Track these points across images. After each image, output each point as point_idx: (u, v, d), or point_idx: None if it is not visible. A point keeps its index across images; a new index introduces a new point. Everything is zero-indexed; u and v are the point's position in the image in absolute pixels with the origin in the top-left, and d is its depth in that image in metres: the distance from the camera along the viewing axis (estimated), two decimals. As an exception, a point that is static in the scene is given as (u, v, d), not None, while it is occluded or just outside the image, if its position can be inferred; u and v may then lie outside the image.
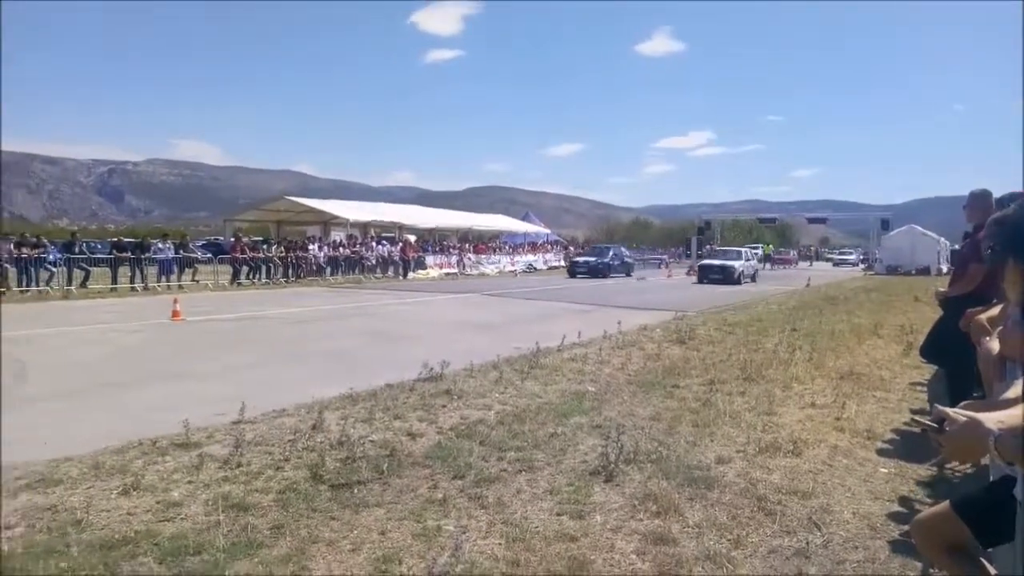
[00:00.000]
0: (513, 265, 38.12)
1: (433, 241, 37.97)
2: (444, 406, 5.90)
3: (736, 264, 28.74)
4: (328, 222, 34.84)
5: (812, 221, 67.31)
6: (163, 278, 21.68)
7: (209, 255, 26.70)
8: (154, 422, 5.19)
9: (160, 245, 22.88)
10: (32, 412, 5.95)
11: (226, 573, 2.94)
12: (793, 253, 65.54)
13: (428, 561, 3.06)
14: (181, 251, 23.24)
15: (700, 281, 27.97)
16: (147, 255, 21.54)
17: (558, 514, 3.65)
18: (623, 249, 39.12)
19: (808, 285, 25.53)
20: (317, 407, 5.61)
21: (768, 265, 50.99)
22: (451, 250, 36.23)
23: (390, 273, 29.98)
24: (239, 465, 4.28)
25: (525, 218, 56.63)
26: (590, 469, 4.31)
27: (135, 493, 3.80)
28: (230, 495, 3.79)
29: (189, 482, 4.00)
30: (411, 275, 30.07)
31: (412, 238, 35.55)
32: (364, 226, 34.94)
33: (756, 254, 35.68)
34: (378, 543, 3.27)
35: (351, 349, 9.94)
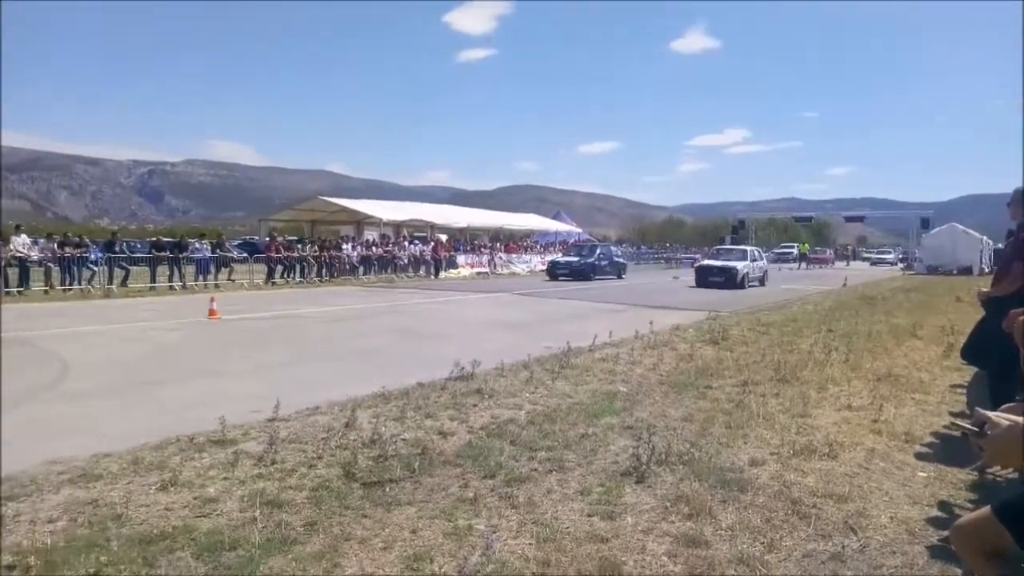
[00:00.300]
0: (544, 264, 38.08)
1: (464, 240, 38.10)
2: (475, 405, 5.92)
3: (739, 265, 24.91)
4: (361, 222, 35.19)
5: (849, 220, 66.24)
6: (200, 277, 22.10)
7: (245, 254, 27.15)
8: (191, 419, 5.29)
9: (197, 245, 23.33)
10: (73, 408, 6.11)
11: (260, 569, 2.99)
12: (830, 252, 64.42)
13: (459, 560, 3.07)
14: (218, 250, 23.66)
15: (699, 284, 24.33)
16: (185, 254, 21.98)
17: (589, 515, 3.64)
18: (613, 248, 36.08)
19: (845, 285, 25.08)
20: (350, 405, 5.67)
21: (804, 264, 50.21)
22: (482, 249, 36.33)
23: (422, 272, 30.17)
24: (274, 462, 4.34)
25: (556, 217, 56.53)
26: (621, 470, 4.29)
27: (173, 489, 3.88)
28: (265, 492, 3.84)
29: (225, 479, 4.07)
30: (443, 274, 30.23)
31: (444, 237, 35.72)
32: (397, 226, 35.22)
33: (764, 252, 31.37)
34: (409, 541, 3.30)
35: (383, 348, 10.02)
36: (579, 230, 52.66)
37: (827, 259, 57.94)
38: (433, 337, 11.28)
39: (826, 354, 8.62)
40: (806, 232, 69.69)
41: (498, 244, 38.82)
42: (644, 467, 4.20)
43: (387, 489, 3.94)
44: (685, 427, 5.34)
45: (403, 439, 4.82)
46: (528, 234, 45.93)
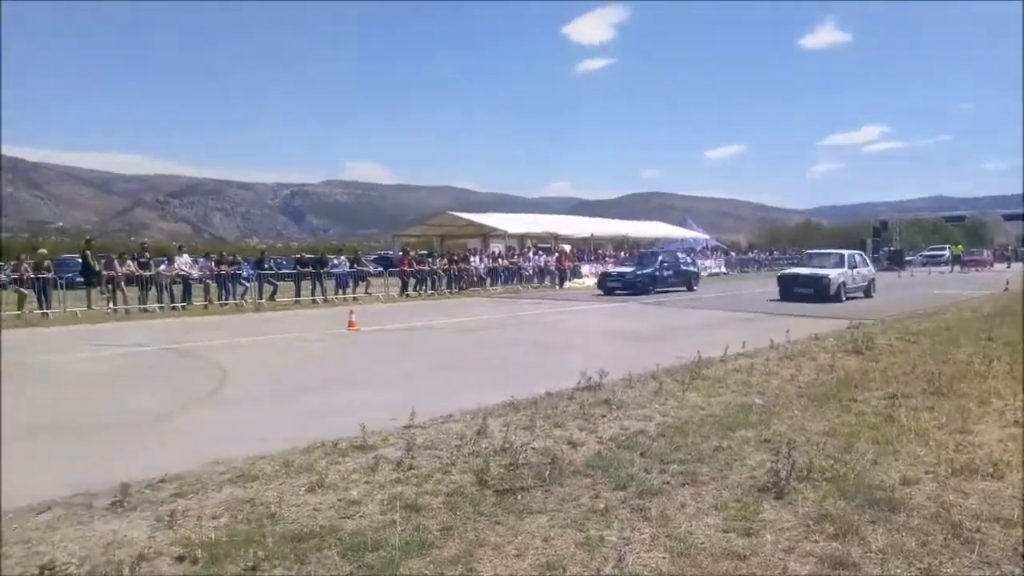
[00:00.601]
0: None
1: (589, 250, 37.99)
2: (603, 416, 5.89)
3: (832, 273, 20.06)
4: (487, 234, 35.96)
5: (1009, 218, 60.48)
6: (340, 291, 23.31)
7: (380, 269, 28.40)
8: (335, 425, 5.59)
9: (336, 260, 24.64)
10: (232, 413, 6.63)
11: (400, 570, 3.11)
12: (987, 253, 58.94)
13: (591, 571, 3.07)
14: (355, 265, 24.89)
15: (783, 297, 20.26)
16: (325, 270, 23.28)
17: (725, 530, 3.53)
18: (681, 254, 29.41)
19: (1007, 288, 22.86)
20: (481, 414, 5.81)
21: (958, 267, 46.29)
22: (607, 259, 36.08)
23: (547, 282, 30.36)
24: (411, 468, 4.52)
25: (682, 223, 55.14)
26: (759, 485, 4.13)
27: (319, 490, 4.12)
28: (403, 496, 4.00)
29: (366, 482, 4.28)
30: (567, 284, 30.28)
31: (568, 247, 35.77)
32: (521, 237, 35.69)
33: (860, 256, 23.37)
34: (542, 550, 3.33)
35: (511, 357, 10.18)
36: (706, 236, 51.10)
37: (984, 261, 52.98)
38: (559, 347, 11.33)
39: (987, 365, 7.91)
40: (959, 232, 64.20)
41: (623, 253, 38.41)
42: (783, 483, 4.03)
43: (519, 497, 4.00)
44: (828, 442, 5.06)
45: (533, 448, 4.87)
46: (654, 241, 45.17)
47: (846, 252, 22.73)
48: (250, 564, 3.12)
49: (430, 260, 27.77)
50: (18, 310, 16.48)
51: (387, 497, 4.00)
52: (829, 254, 23.18)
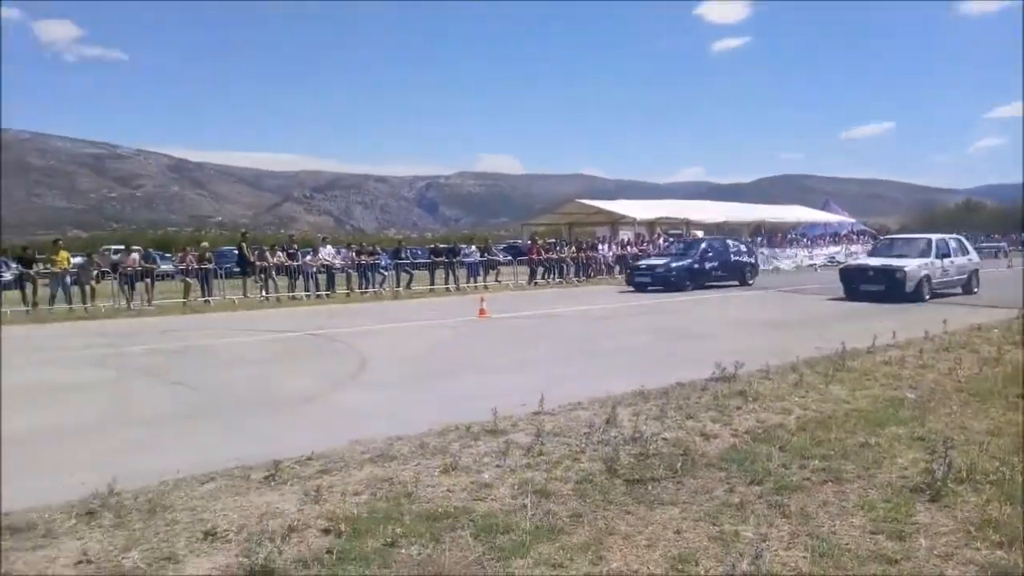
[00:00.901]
0: (812, 259, 35.31)
1: (723, 236, 36.69)
2: (739, 408, 5.69)
3: (909, 265, 15.47)
4: (616, 222, 35.54)
5: None
6: (471, 279, 23.89)
7: (509, 257, 28.83)
8: (467, 409, 5.73)
9: (467, 250, 25.26)
10: (371, 396, 6.97)
11: (531, 554, 3.16)
12: None
13: (726, 566, 2.98)
14: (486, 254, 25.41)
15: (848, 295, 16.41)
16: (457, 259, 23.92)
17: (872, 532, 3.32)
18: (732, 242, 23.98)
19: None
20: (610, 402, 5.77)
21: None
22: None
23: (678, 270, 29.63)
24: (540, 454, 4.56)
25: (824, 207, 51.97)
26: (911, 486, 3.86)
27: (453, 472, 4.25)
28: (533, 481, 4.06)
29: (497, 466, 4.37)
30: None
31: (699, 233, 34.72)
32: (651, 224, 35.00)
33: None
34: (673, 541, 3.27)
35: (640, 346, 10.04)
36: (851, 220, 47.98)
37: None
38: (691, 336, 11.04)
39: None
40: None
41: (759, 239, 36.79)
42: (940, 484, 3.74)
43: (649, 487, 3.95)
44: (992, 442, 4.63)
45: (664, 438, 4.79)
46: (793, 226, 42.95)
47: (934, 236, 17.36)
48: (389, 540, 3.28)
49: (558, 248, 27.86)
50: (184, 298, 18.10)
51: (518, 481, 4.06)
52: (914, 239, 18.12)
